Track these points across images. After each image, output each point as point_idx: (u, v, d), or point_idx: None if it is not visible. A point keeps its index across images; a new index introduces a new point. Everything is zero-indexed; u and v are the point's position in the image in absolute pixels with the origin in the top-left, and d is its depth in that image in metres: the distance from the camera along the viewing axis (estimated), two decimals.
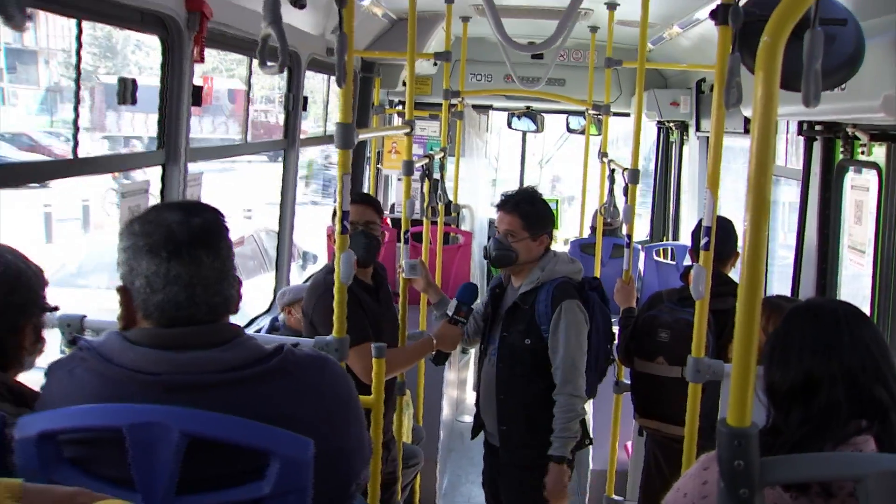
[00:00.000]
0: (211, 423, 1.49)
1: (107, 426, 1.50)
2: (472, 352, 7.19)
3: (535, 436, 3.53)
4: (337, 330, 2.60)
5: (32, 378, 1.91)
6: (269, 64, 1.91)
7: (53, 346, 2.17)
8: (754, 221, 1.43)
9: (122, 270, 1.64)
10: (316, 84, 6.53)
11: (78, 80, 2.95)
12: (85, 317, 2.58)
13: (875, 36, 2.49)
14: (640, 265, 7.08)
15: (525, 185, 4.69)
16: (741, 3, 2.45)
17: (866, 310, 3.63)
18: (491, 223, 8.42)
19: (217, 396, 1.55)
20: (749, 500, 1.42)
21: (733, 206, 7.55)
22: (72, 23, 2.86)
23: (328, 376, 1.71)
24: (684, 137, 7.77)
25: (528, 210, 3.61)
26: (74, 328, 2.54)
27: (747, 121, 5.35)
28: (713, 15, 2.50)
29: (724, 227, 3.73)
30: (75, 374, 1.60)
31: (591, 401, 5.03)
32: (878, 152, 3.57)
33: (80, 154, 2.92)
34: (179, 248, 1.59)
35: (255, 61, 4.49)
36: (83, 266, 8.34)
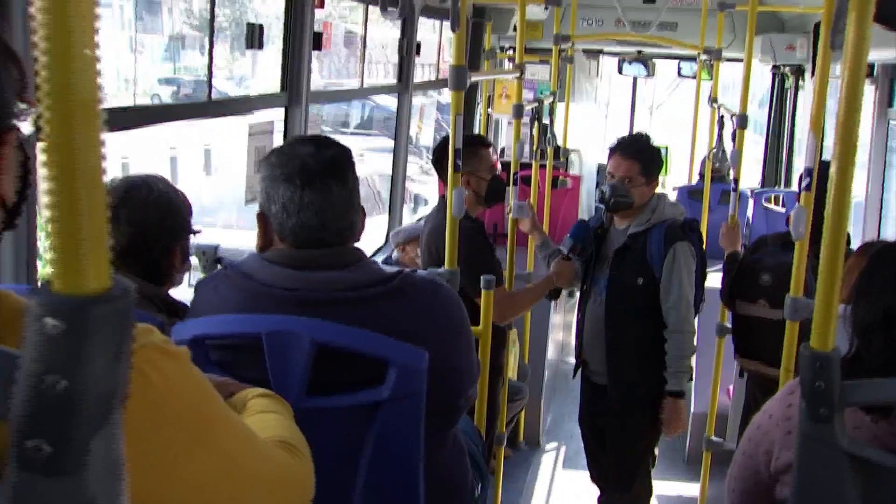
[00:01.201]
0: (338, 333, 1.68)
1: (248, 333, 1.71)
2: (577, 295, 7.30)
3: (642, 371, 3.66)
4: (448, 262, 2.77)
5: (179, 294, 2.15)
6: (390, 10, 2.05)
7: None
8: (842, 161, 1.52)
9: (261, 197, 1.84)
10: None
11: (212, 29, 3.16)
12: (219, 246, 2.82)
13: None
14: (749, 212, 7.04)
15: (637, 130, 4.76)
16: None
17: None
18: (600, 168, 8.46)
19: (343, 311, 1.73)
20: (828, 418, 1.53)
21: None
22: None
23: (441, 299, 1.88)
24: (800, 83, 7.61)
25: (646, 156, 3.70)
26: (210, 256, 2.78)
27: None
28: None
29: (822, 171, 3.72)
30: (220, 289, 1.81)
31: (695, 342, 5.14)
32: None
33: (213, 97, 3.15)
34: (312, 178, 1.78)
35: (370, 8, 4.67)
36: (206, 205, 8.78)
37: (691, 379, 3.89)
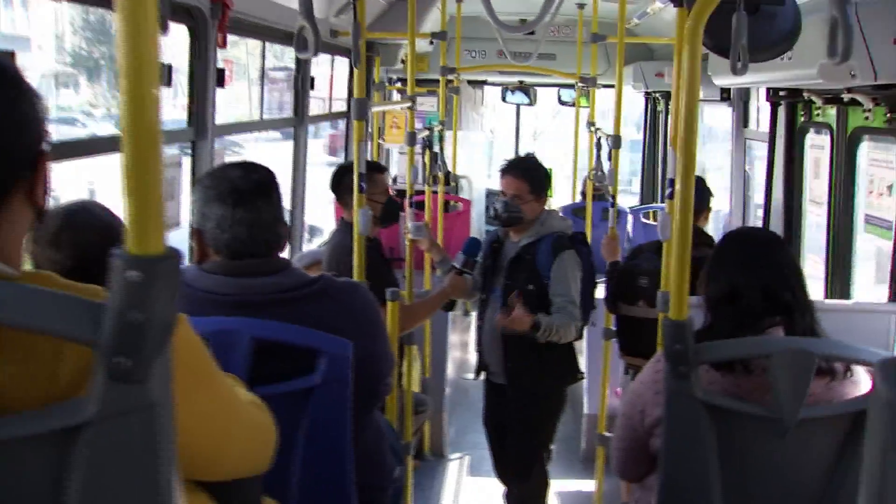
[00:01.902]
0: (274, 330, 1.94)
1: None
2: (474, 314, 7.66)
3: (539, 369, 3.99)
4: (356, 275, 3.04)
5: None
6: (302, 51, 2.33)
7: None
8: (684, 171, 1.89)
9: (196, 216, 2.09)
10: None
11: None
12: None
13: (811, 13, 2.90)
14: (629, 227, 7.52)
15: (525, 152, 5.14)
16: None
17: (822, 253, 4.09)
18: (489, 192, 8.86)
19: (275, 311, 2.00)
20: (686, 375, 1.88)
21: (714, 169, 8.01)
22: (62, 7, 3.23)
23: (359, 298, 2.16)
24: (669, 107, 8.18)
25: (534, 175, 4.07)
26: None
27: (722, 90, 5.78)
28: None
29: (696, 183, 4.16)
30: None
31: (584, 348, 5.53)
32: (831, 114, 4.01)
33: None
34: (243, 197, 2.04)
35: (268, 46, 4.93)
36: None
37: (580, 378, 4.23)
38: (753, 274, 2.09)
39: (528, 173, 4.03)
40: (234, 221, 2.03)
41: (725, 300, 2.10)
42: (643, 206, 8.04)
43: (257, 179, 2.07)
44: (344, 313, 2.09)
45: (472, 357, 7.70)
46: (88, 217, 2.27)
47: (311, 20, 2.29)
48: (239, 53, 6.26)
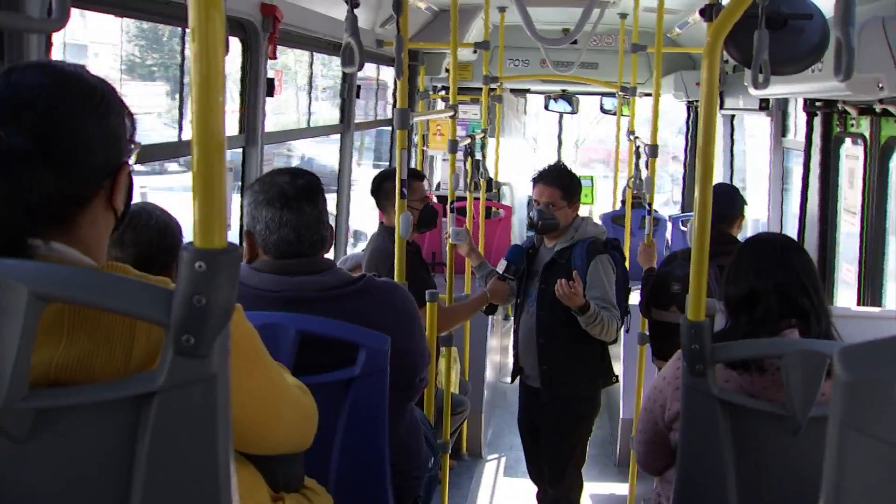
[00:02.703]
0: (318, 324, 2.09)
1: None
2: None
3: (571, 372, 4.11)
4: (397, 276, 3.18)
5: None
6: (349, 64, 2.49)
7: None
8: (703, 178, 2.00)
9: (247, 219, 2.25)
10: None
11: (181, 74, 3.56)
12: None
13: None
14: (668, 235, 7.58)
15: (556, 161, 5.23)
16: (724, 2, 2.98)
17: (854, 260, 4.15)
18: (530, 199, 8.97)
19: (320, 307, 2.15)
20: (703, 373, 1.99)
21: (756, 179, 8.03)
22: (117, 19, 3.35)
23: (399, 297, 2.31)
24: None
25: (566, 182, 4.19)
26: None
27: (761, 100, 5.84)
28: (702, 13, 3.03)
29: (729, 192, 4.25)
30: None
31: (621, 353, 5.62)
32: (865, 124, 4.08)
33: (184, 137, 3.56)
34: (289, 201, 2.20)
35: (316, 56, 5.10)
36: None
37: (615, 381, 4.33)
38: (770, 277, 2.19)
39: (559, 181, 4.15)
40: (282, 223, 2.19)
41: (744, 303, 2.20)
42: (683, 214, 8.10)
43: (303, 185, 2.22)
44: (383, 310, 2.23)
45: (511, 361, 7.83)
46: (147, 218, 2.45)
47: (357, 36, 2.44)
48: (287, 61, 6.47)
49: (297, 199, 2.21)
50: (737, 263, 2.29)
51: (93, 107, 1.26)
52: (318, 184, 2.27)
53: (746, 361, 2.10)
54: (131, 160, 1.32)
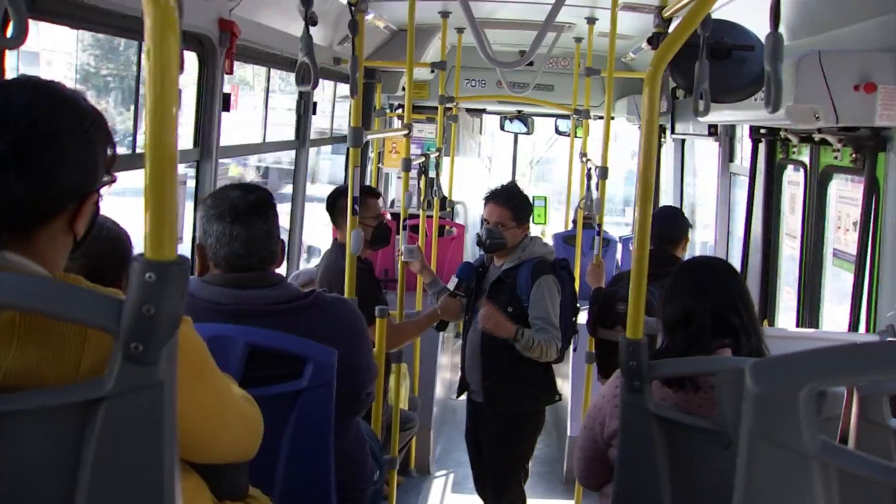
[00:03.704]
0: (266, 337, 2.13)
1: None
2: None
3: (514, 389, 4.16)
4: (347, 293, 3.22)
5: None
6: (303, 83, 2.53)
7: None
8: (642, 201, 2.08)
9: (199, 232, 2.29)
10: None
11: (137, 88, 3.58)
12: None
13: (784, 58, 3.10)
14: (618, 255, 7.70)
15: (508, 181, 5.30)
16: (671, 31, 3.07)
17: (794, 283, 4.28)
18: (483, 219, 9.06)
19: (269, 321, 2.18)
20: (640, 389, 2.06)
21: (706, 201, 8.20)
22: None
23: (347, 311, 2.35)
24: (662, 139, 8.38)
25: (516, 202, 4.25)
26: None
27: (710, 126, 5.98)
28: (649, 40, 3.12)
29: (674, 214, 4.36)
30: None
31: (569, 372, 5.70)
32: (806, 152, 4.21)
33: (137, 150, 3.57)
34: (239, 215, 2.23)
35: (273, 72, 5.14)
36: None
37: (558, 399, 4.40)
38: (704, 298, 2.29)
39: (510, 201, 4.21)
40: (232, 238, 2.23)
41: (680, 323, 2.29)
42: (632, 235, 8.21)
43: (254, 199, 2.26)
44: (331, 324, 2.27)
45: (459, 377, 7.88)
46: (98, 230, 2.46)
47: (311, 56, 2.49)
48: (245, 74, 6.49)
49: (247, 213, 2.24)
50: (674, 285, 2.38)
51: (79, 132, 1.30)
52: (269, 199, 2.31)
53: (682, 379, 2.18)
54: (102, 191, 1.36)
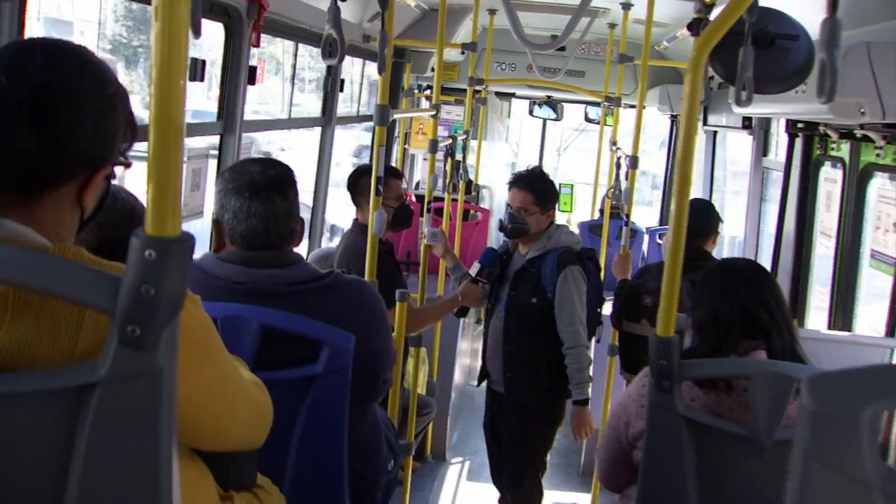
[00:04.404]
0: (281, 319, 2.05)
1: None
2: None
3: (535, 381, 4.07)
4: (368, 275, 3.14)
5: None
6: (329, 57, 2.44)
7: None
8: (679, 193, 1.97)
9: (216, 207, 2.20)
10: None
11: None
12: None
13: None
14: (645, 247, 7.58)
15: (533, 165, 5.19)
16: (712, 17, 2.95)
17: (827, 283, 4.16)
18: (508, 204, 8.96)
19: (285, 301, 2.10)
20: (670, 390, 1.96)
21: (734, 197, 8.06)
22: None
23: (366, 294, 2.26)
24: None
25: (539, 187, 4.14)
26: None
27: (744, 119, 5.84)
28: (689, 27, 3.00)
29: (705, 208, 4.24)
30: None
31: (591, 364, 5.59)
32: (845, 149, 4.08)
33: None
34: (259, 191, 2.15)
35: (300, 47, 5.05)
36: None
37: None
38: (733, 297, 2.21)
39: (533, 186, 4.11)
40: (250, 213, 2.14)
41: (708, 322, 2.20)
42: (660, 227, 8.10)
43: (274, 175, 2.18)
44: (349, 308, 2.19)
45: (480, 364, 7.82)
46: (113, 201, 2.39)
47: (339, 29, 2.40)
48: (275, 51, 6.41)
49: (267, 189, 2.16)
50: (703, 286, 2.31)
51: (100, 97, 1.25)
52: (290, 175, 2.23)
53: (714, 380, 2.08)
54: (116, 170, 1.31)
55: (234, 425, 1.48)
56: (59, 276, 0.98)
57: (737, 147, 7.84)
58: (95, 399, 0.98)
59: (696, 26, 2.98)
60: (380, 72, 2.95)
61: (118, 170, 1.34)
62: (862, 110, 3.02)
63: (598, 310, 4.23)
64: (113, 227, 2.37)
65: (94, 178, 1.27)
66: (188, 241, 0.96)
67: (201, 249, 2.34)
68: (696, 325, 2.26)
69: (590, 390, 4.07)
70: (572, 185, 9.41)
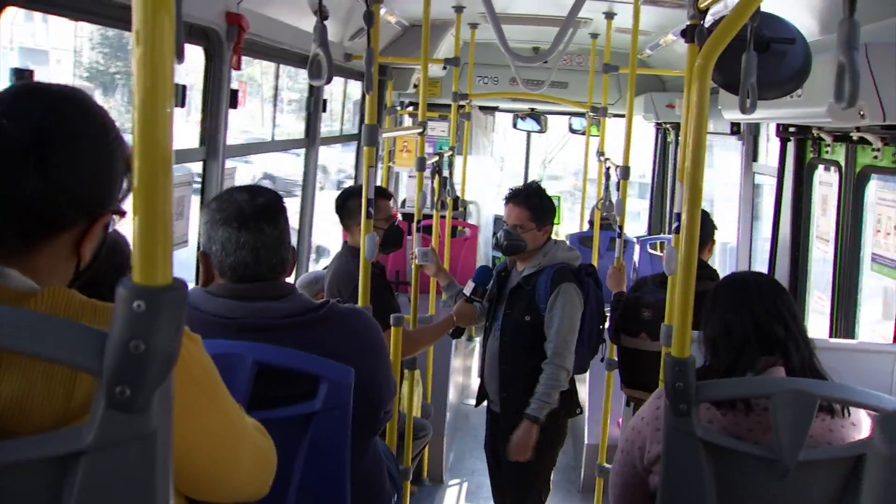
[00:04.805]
0: (276, 354, 1.95)
1: None
2: (478, 340, 7.66)
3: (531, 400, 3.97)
4: (361, 300, 3.04)
5: None
6: (316, 78, 2.35)
7: None
8: (690, 204, 1.89)
9: (203, 239, 2.10)
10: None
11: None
12: None
13: (821, 52, 2.91)
14: (636, 257, 7.51)
15: (530, 180, 5.10)
16: (706, 25, 2.89)
17: (828, 290, 4.09)
18: (497, 218, 8.89)
19: (279, 335, 2.00)
20: (687, 413, 1.87)
21: (722, 201, 8.01)
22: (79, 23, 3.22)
23: (363, 324, 2.16)
24: (679, 138, 8.16)
25: (536, 203, 4.05)
26: None
27: (732, 123, 5.78)
28: (683, 33, 2.93)
29: (701, 216, 4.16)
30: None
31: (588, 378, 5.51)
32: (840, 151, 4.02)
33: None
34: (247, 221, 2.05)
35: (282, 68, 4.96)
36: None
37: (578, 413, 4.20)
38: (746, 311, 2.12)
39: (529, 201, 4.02)
40: (239, 245, 2.04)
41: (721, 337, 2.12)
42: (650, 237, 8.04)
43: (263, 203, 2.08)
44: (347, 339, 2.09)
45: (475, 382, 7.71)
46: None
47: (325, 47, 2.31)
48: (253, 73, 6.32)
49: (256, 218, 2.06)
50: (713, 300, 2.22)
51: (102, 142, 1.22)
52: (279, 203, 2.13)
53: (732, 400, 1.99)
54: (114, 220, 1.26)
55: (239, 472, 1.39)
56: (36, 333, 0.87)
57: (723, 153, 7.81)
58: (82, 467, 0.88)
59: (690, 32, 2.91)
60: (367, 90, 2.86)
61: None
62: (861, 112, 2.95)
63: (601, 327, 4.13)
64: (95, 264, 2.28)
65: (95, 225, 1.23)
66: (181, 289, 0.87)
67: (187, 279, 2.24)
68: (709, 341, 2.17)
69: (543, 405, 3.89)
70: (559, 197, 9.34)
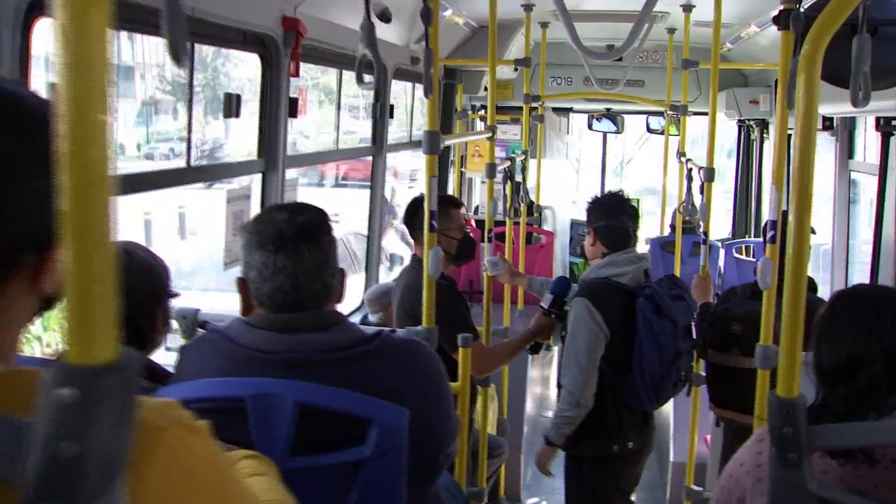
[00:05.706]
0: (320, 394, 1.73)
1: (233, 396, 1.74)
2: (556, 349, 7.38)
3: (584, 423, 3.63)
4: (426, 321, 2.81)
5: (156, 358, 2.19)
6: (366, 80, 2.13)
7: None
8: (799, 212, 1.60)
9: (242, 264, 1.89)
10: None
11: (191, 97, 3.25)
12: (199, 310, 2.84)
13: None
14: (721, 262, 7.15)
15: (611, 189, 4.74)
16: (802, 9, 2.58)
17: None
18: (573, 223, 8.58)
19: (324, 372, 1.78)
20: (797, 464, 1.58)
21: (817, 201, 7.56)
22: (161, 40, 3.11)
23: (421, 358, 1.93)
24: (764, 135, 7.78)
25: (589, 210, 3.84)
26: (190, 320, 2.80)
27: (824, 119, 5.41)
28: (776, 20, 2.64)
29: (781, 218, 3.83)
30: (205, 352, 1.85)
31: None
32: None
33: (192, 163, 3.22)
34: (285, 242, 1.83)
35: (345, 73, 4.78)
36: (182, 269, 8.82)
37: (631, 447, 3.85)
38: (874, 340, 1.78)
39: (588, 209, 3.85)
40: (276, 270, 1.83)
41: (842, 372, 1.79)
42: (736, 241, 7.65)
43: (303, 222, 1.86)
44: (403, 375, 1.86)
45: (553, 392, 7.43)
46: (128, 260, 2.10)
47: (374, 48, 2.09)
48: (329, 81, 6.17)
49: (294, 240, 1.84)
50: (831, 319, 1.87)
51: (42, 155, 0.85)
52: (322, 220, 1.90)
53: (852, 450, 1.69)
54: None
55: None
56: None
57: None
58: None
59: (784, 18, 2.62)
60: (426, 94, 2.63)
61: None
62: None
63: (674, 364, 3.62)
64: (129, 293, 2.09)
65: (51, 258, 0.92)
66: (129, 368, 0.64)
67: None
68: (822, 372, 1.84)
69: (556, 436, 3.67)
70: (638, 200, 8.98)
